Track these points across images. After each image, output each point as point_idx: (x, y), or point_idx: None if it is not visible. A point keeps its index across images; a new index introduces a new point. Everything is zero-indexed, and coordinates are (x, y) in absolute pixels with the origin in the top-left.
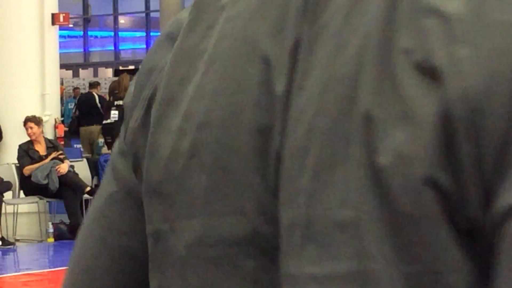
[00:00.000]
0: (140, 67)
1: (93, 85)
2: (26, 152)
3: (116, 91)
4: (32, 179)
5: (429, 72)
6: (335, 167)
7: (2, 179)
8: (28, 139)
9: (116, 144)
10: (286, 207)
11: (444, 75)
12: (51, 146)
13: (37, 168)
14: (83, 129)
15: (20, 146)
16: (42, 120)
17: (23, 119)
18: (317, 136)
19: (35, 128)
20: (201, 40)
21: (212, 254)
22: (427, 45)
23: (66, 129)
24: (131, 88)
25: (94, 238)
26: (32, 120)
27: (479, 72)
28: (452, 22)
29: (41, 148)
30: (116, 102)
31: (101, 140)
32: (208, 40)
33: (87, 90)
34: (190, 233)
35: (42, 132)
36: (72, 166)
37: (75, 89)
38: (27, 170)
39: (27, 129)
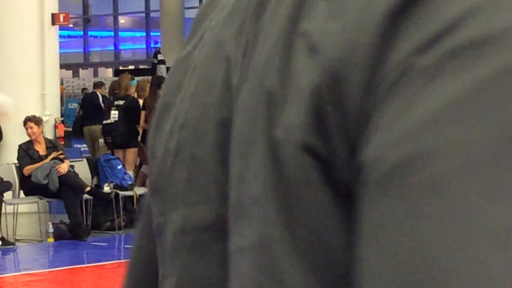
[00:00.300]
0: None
1: (97, 85)
2: (26, 152)
3: (116, 91)
4: (32, 179)
5: (311, 48)
6: (253, 145)
7: (2, 179)
8: (28, 139)
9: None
10: (231, 190)
11: (318, 48)
12: (51, 146)
13: (37, 168)
14: (86, 129)
15: (20, 146)
16: (42, 120)
17: (23, 119)
18: (245, 118)
19: (35, 128)
20: (194, 49)
21: (189, 241)
22: (315, 25)
23: (70, 129)
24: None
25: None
26: (32, 120)
27: (341, 43)
28: (332, 1)
29: (41, 148)
30: (116, 102)
31: (101, 140)
32: (198, 49)
33: (87, 90)
34: (175, 224)
35: (42, 132)
36: (72, 166)
37: (84, 89)
38: (27, 170)
39: (27, 129)
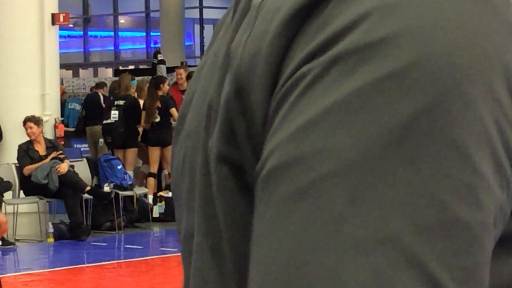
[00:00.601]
0: None
1: (100, 85)
2: (26, 152)
3: (116, 91)
4: (32, 179)
5: (229, 61)
6: (197, 155)
7: (2, 179)
8: (28, 139)
9: None
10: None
11: (231, 60)
12: (51, 146)
13: (37, 168)
14: (88, 129)
15: (20, 146)
16: (41, 120)
17: (23, 119)
18: (196, 132)
19: (35, 128)
20: (207, 59)
21: (191, 247)
22: (237, 37)
23: (70, 129)
24: None
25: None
26: (31, 120)
27: (246, 54)
28: (250, 12)
29: (40, 148)
30: (116, 102)
31: (101, 140)
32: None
33: (87, 90)
34: (183, 230)
35: (42, 132)
36: (72, 166)
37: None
38: (27, 170)
39: (26, 129)
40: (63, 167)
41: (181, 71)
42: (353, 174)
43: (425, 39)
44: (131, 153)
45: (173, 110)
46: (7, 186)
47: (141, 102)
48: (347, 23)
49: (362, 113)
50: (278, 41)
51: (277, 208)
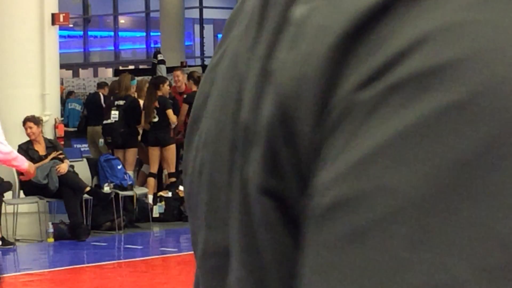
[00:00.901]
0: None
1: (101, 85)
2: (26, 152)
3: (116, 91)
4: (32, 178)
5: (270, 81)
6: (221, 170)
7: (2, 179)
8: (28, 139)
9: None
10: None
11: (274, 81)
12: (51, 146)
13: (36, 168)
14: (90, 129)
15: (19, 146)
16: (41, 120)
17: (23, 119)
18: (222, 153)
19: (34, 128)
20: (219, 60)
21: (210, 265)
22: (279, 54)
23: (70, 129)
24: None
25: None
26: (31, 120)
27: (292, 76)
28: (292, 27)
29: (40, 148)
30: (116, 102)
31: (101, 140)
32: (222, 61)
33: (87, 90)
34: (200, 245)
35: (42, 132)
36: (72, 166)
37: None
38: None
39: (26, 129)
40: (63, 167)
41: (178, 72)
42: (415, 215)
43: (494, 64)
44: (131, 153)
45: (169, 112)
46: (7, 186)
47: (141, 102)
48: (405, 45)
49: (424, 147)
50: (327, 65)
51: (333, 249)
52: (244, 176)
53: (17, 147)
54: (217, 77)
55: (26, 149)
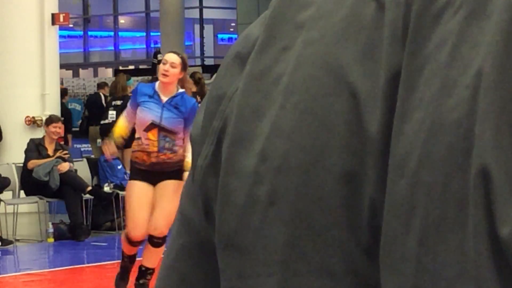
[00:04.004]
0: (208, 93)
1: (101, 85)
2: (36, 147)
3: (113, 91)
4: (33, 175)
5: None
6: (447, 233)
7: (0, 174)
8: (28, 139)
9: (184, 187)
10: (389, 274)
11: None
12: (59, 147)
13: (39, 165)
14: (91, 129)
15: (31, 139)
16: (61, 119)
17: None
18: (423, 192)
19: (62, 128)
20: (275, 64)
21: None
22: None
23: (75, 129)
24: (200, 117)
25: None
26: (56, 121)
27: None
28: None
29: (50, 148)
30: (114, 102)
31: (99, 140)
32: (284, 64)
33: (87, 90)
34: None
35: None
36: (74, 169)
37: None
38: (31, 164)
39: (50, 128)
40: (64, 166)
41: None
42: None
43: None
44: (129, 153)
45: None
46: (5, 182)
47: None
48: None
49: None
50: None
51: None
52: (495, 235)
53: (17, 147)
54: (286, 88)
55: (37, 144)
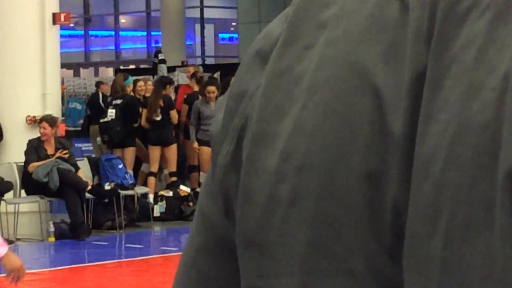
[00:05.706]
0: (228, 91)
1: (98, 84)
2: (35, 149)
3: (113, 90)
4: (33, 176)
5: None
6: (473, 236)
7: (3, 179)
8: (29, 138)
9: (203, 185)
10: (413, 275)
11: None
12: (60, 146)
13: (39, 166)
14: (92, 127)
15: (30, 141)
16: (57, 120)
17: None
18: (449, 194)
19: (48, 129)
20: (297, 62)
21: None
22: None
23: (73, 128)
24: (220, 115)
25: None
26: (47, 120)
27: None
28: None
29: (49, 148)
30: (113, 101)
31: (98, 139)
32: (306, 63)
33: (88, 90)
34: None
35: (56, 133)
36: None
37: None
38: (31, 167)
39: (40, 128)
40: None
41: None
42: None
43: None
44: (130, 152)
45: (173, 112)
46: (8, 186)
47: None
48: None
49: None
50: None
51: None
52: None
53: (18, 146)
54: (309, 87)
55: (36, 146)
